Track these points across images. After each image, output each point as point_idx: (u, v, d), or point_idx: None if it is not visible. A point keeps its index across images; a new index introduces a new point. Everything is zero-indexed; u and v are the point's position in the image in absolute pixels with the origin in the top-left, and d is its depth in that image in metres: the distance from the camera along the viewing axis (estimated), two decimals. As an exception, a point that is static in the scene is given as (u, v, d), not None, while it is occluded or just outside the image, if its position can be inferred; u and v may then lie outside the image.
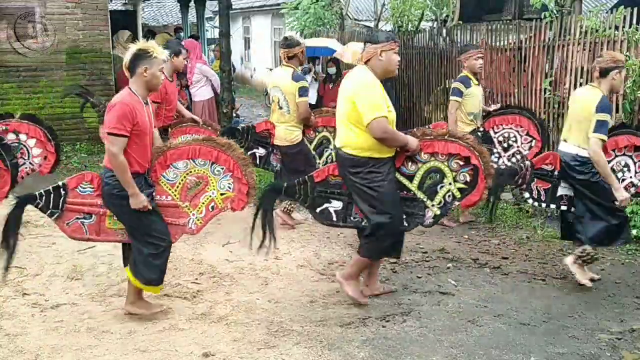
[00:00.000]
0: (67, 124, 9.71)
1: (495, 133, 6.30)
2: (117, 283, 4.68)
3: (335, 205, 4.25)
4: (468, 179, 4.19)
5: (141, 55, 3.84)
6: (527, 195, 4.80)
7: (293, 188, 4.22)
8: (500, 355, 3.66)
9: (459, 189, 4.20)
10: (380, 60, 4.07)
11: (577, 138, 4.60)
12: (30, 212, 6.33)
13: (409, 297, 4.52)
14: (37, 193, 3.91)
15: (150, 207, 3.89)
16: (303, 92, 5.76)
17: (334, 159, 4.27)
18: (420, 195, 4.21)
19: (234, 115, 11.12)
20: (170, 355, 3.61)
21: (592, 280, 4.80)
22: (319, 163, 6.14)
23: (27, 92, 9.51)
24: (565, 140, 4.73)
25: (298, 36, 6.21)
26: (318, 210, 4.26)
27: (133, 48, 3.86)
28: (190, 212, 4.12)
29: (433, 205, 4.21)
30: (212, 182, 4.14)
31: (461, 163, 4.18)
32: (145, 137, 3.89)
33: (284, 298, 4.46)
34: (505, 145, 6.25)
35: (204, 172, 4.12)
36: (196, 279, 4.81)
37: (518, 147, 6.22)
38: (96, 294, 4.48)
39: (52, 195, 3.94)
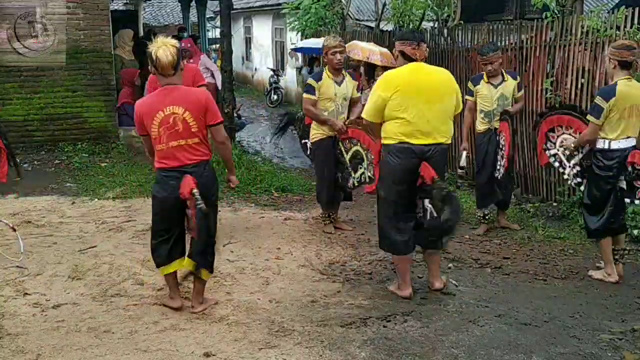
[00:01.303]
0: (68, 123, 9.71)
1: (500, 138, 6.23)
2: (119, 283, 4.68)
3: (427, 204, 4.35)
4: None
5: (179, 52, 3.93)
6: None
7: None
8: (502, 356, 3.65)
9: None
10: (426, 59, 4.44)
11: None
12: (32, 212, 6.39)
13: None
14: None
15: None
16: (305, 89, 5.90)
17: (433, 157, 4.27)
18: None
19: (235, 115, 11.14)
20: (171, 355, 3.61)
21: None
22: (353, 177, 5.84)
23: (28, 92, 9.50)
24: (627, 137, 4.72)
25: (331, 38, 5.92)
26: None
27: (170, 48, 3.83)
28: None
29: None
30: None
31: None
32: None
33: (285, 298, 4.46)
34: (502, 153, 6.10)
35: None
36: (197, 278, 4.80)
37: (504, 155, 6.04)
38: (97, 294, 4.48)
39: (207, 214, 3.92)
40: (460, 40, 8.96)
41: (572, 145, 5.05)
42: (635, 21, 6.13)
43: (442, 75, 4.38)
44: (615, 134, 4.70)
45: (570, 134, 5.12)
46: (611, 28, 6.36)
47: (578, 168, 5.08)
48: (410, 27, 10.72)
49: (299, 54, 15.46)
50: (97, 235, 5.80)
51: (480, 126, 6.06)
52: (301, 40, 13.91)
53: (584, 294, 4.63)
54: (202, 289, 4.18)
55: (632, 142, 4.75)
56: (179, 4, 19.08)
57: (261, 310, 4.23)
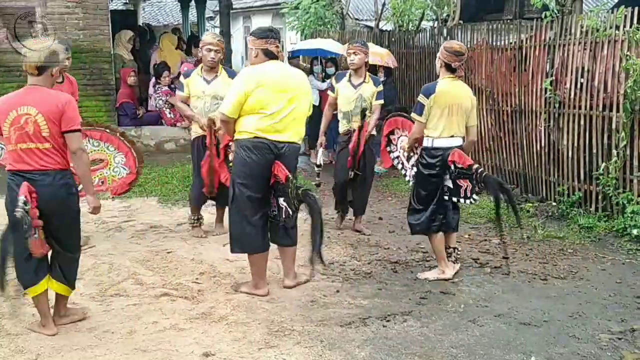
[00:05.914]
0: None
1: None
2: (118, 282, 4.68)
3: (281, 202, 4.56)
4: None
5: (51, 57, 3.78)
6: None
7: None
8: (501, 355, 3.66)
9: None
10: None
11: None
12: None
13: (410, 297, 4.52)
14: None
15: None
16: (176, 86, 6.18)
17: (287, 156, 4.40)
18: None
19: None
20: (170, 354, 3.61)
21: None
22: None
23: (28, 91, 9.49)
24: (451, 136, 4.74)
25: (210, 35, 5.88)
26: None
27: (44, 50, 3.72)
28: None
29: None
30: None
31: None
32: None
33: (285, 298, 4.46)
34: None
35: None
36: (197, 278, 4.81)
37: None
38: (96, 294, 4.49)
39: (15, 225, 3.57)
40: (460, 40, 8.95)
41: (407, 145, 5.05)
42: (635, 20, 6.13)
43: (302, 77, 4.48)
44: (437, 132, 4.70)
45: (405, 135, 5.13)
46: (610, 27, 6.35)
47: (415, 169, 5.04)
48: (410, 26, 10.73)
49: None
50: (97, 235, 5.80)
51: (341, 127, 6.02)
52: (301, 39, 13.88)
53: (583, 294, 4.63)
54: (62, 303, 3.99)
55: (456, 141, 4.74)
56: (178, 3, 19.04)
57: (261, 310, 4.24)
